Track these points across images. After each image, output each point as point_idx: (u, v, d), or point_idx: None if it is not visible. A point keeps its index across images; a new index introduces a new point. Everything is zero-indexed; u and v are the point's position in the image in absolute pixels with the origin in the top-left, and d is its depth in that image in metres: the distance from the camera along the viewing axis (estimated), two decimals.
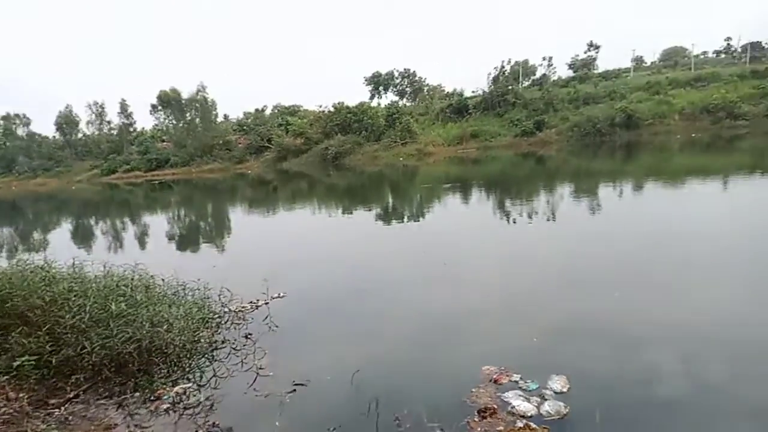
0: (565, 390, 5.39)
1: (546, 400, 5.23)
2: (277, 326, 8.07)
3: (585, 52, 69.55)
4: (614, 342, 6.53)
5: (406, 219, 19.17)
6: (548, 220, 15.83)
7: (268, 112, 75.82)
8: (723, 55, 71.42)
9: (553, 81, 61.35)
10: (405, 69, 77.66)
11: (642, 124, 45.72)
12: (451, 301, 8.79)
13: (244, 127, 68.59)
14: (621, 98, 49.95)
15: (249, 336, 7.69)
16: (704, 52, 74.18)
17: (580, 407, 5.06)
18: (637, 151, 36.11)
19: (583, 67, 68.78)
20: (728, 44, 71.96)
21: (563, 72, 69.28)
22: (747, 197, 16.71)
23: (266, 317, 8.39)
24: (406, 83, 78.42)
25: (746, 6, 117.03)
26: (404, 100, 77.06)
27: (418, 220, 18.70)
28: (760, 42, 67.08)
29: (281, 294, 9.57)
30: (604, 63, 70.95)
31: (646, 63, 74.95)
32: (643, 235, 12.56)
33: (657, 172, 24.88)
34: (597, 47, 67.93)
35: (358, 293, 9.79)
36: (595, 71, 67.19)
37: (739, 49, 67.63)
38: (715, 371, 5.58)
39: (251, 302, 9.13)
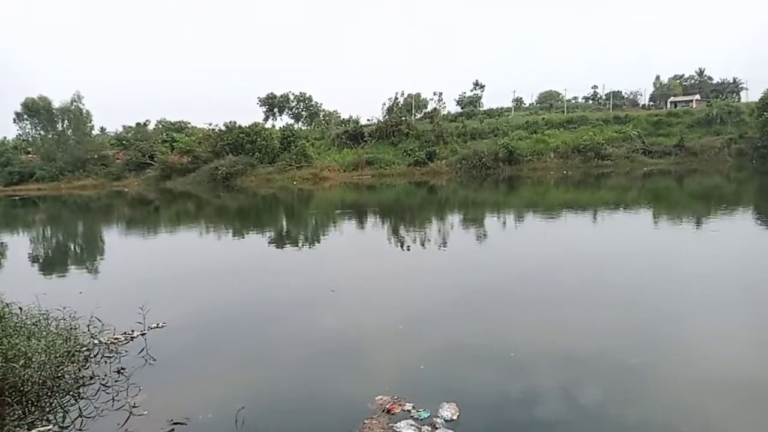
0: (455, 417, 5.45)
1: (437, 429, 5.24)
2: (154, 359, 7.40)
3: (471, 90, 74.35)
4: (499, 366, 6.77)
5: (299, 244, 18.83)
6: (440, 247, 16.36)
7: (151, 127, 71.46)
8: (590, 101, 80.00)
9: (443, 115, 64.44)
10: (301, 93, 77.72)
11: (522, 159, 49.49)
12: (340, 330, 8.64)
13: (124, 142, 63.86)
14: (503, 135, 53.72)
15: (122, 371, 6.97)
16: (575, 97, 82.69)
17: None
18: (518, 185, 38.92)
19: (469, 104, 73.33)
20: (594, 92, 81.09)
21: (452, 107, 73.36)
22: (614, 229, 18.65)
23: (142, 349, 7.70)
24: (302, 107, 78.32)
25: (606, 58, 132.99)
26: (300, 123, 76.79)
27: (312, 245, 18.45)
28: (620, 91, 76.63)
29: (160, 324, 8.83)
30: (489, 101, 76.14)
31: (525, 104, 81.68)
32: (525, 262, 13.41)
33: (535, 204, 26.95)
34: (482, 86, 72.89)
35: (246, 322, 9.33)
36: (481, 108, 71.87)
37: (604, 97, 76.34)
38: (592, 393, 5.95)
39: (125, 333, 8.32)
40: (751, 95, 62.81)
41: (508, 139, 51.49)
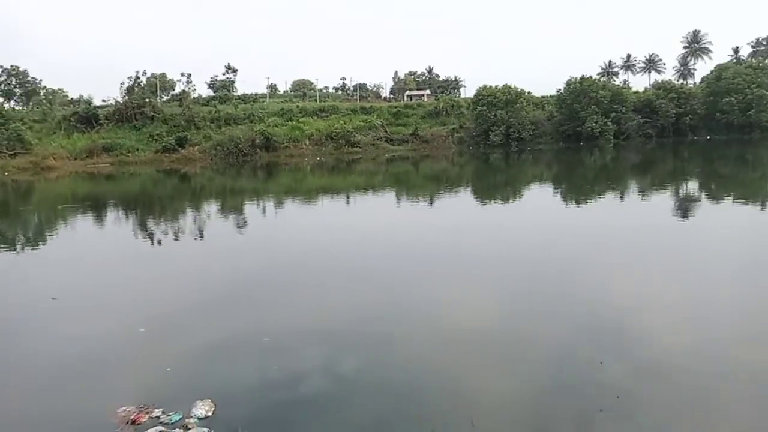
0: (210, 413, 5.17)
1: (189, 429, 4.91)
2: None
3: (224, 74, 71.46)
4: (254, 354, 6.67)
5: (12, 248, 15.57)
6: (195, 238, 15.41)
7: None
8: (340, 92, 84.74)
9: (194, 99, 60.56)
10: (12, 66, 64.08)
11: (279, 146, 49.91)
12: (67, 342, 7.46)
13: None
14: (259, 121, 53.21)
15: None
16: (326, 87, 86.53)
17: (227, 426, 4.93)
18: (277, 171, 39.22)
19: (222, 88, 70.47)
20: (343, 83, 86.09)
21: (203, 91, 69.47)
22: (366, 211, 20.20)
23: None
24: (13, 83, 64.70)
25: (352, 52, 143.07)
26: (12, 102, 63.50)
27: (33, 248, 15.50)
28: (366, 84, 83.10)
29: None
30: (243, 87, 74.32)
31: (279, 91, 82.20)
32: (282, 249, 13.50)
33: (294, 190, 27.50)
34: (235, 71, 70.53)
35: None
36: (235, 93, 69.78)
37: (351, 88, 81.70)
38: (346, 364, 6.27)
39: None
40: (468, 92, 74.95)
41: (264, 126, 51.22)
